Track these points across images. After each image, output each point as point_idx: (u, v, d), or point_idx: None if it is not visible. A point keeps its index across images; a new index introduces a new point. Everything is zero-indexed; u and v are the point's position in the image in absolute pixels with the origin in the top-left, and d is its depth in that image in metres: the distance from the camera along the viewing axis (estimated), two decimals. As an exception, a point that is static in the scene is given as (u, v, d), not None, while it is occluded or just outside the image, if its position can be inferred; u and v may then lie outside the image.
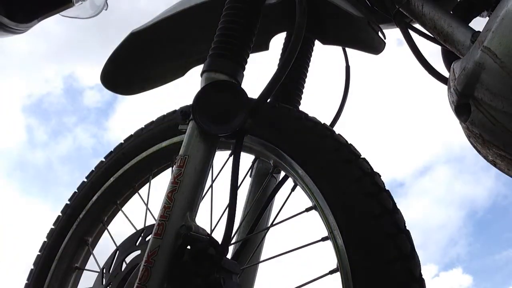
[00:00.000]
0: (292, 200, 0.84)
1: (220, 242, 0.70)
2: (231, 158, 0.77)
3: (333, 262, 0.69)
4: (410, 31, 0.84)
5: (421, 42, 0.83)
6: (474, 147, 0.74)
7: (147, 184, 1.02)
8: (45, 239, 1.04)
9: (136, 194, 1.04)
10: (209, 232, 0.73)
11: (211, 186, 0.88)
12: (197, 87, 0.79)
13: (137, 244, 0.82)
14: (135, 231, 0.88)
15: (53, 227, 1.05)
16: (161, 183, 1.04)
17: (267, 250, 0.96)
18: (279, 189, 0.94)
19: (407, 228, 0.69)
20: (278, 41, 1.05)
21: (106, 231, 1.05)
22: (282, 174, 0.93)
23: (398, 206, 0.71)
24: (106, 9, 1.09)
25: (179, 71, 1.08)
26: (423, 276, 0.65)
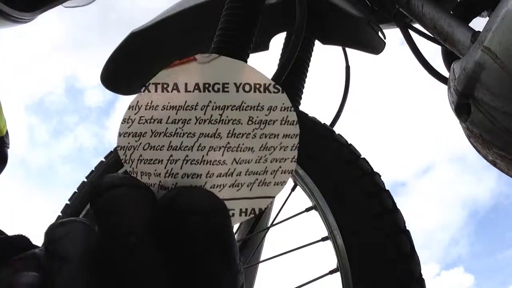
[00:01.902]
0: (292, 200, 0.84)
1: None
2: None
3: (333, 262, 0.69)
4: (410, 31, 0.84)
5: (421, 42, 0.83)
6: (474, 147, 0.74)
7: (147, 184, 1.01)
8: (45, 239, 1.04)
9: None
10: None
11: (211, 186, 0.88)
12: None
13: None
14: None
15: (53, 227, 1.05)
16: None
17: (267, 250, 0.96)
18: (279, 189, 0.94)
19: (407, 228, 0.69)
20: (278, 41, 1.05)
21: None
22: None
23: (399, 206, 0.71)
24: None
25: (179, 71, 1.08)
26: (423, 276, 0.65)
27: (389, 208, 0.68)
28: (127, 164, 0.26)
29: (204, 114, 0.26)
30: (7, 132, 0.82)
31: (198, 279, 0.21)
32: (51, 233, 0.21)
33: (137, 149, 0.26)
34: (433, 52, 0.83)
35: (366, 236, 0.65)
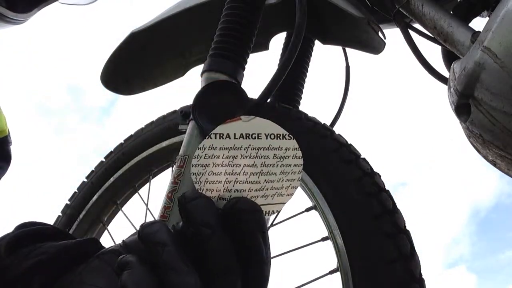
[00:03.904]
0: (292, 200, 0.84)
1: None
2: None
3: (333, 262, 0.69)
4: (410, 31, 0.84)
5: (421, 42, 0.83)
6: (474, 147, 0.74)
7: (147, 184, 1.02)
8: (45, 239, 1.04)
9: (136, 194, 1.04)
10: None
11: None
12: (197, 87, 0.79)
13: (137, 244, 0.82)
14: (135, 231, 0.87)
15: (53, 227, 1.05)
16: (161, 183, 1.04)
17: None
18: (279, 189, 0.94)
19: (407, 228, 0.69)
20: (278, 41, 1.05)
21: (106, 231, 1.05)
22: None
23: (400, 206, 0.71)
24: None
25: (179, 71, 1.08)
26: (423, 276, 0.65)
27: (389, 208, 0.68)
28: (197, 184, 0.39)
29: (246, 152, 0.40)
30: (8, 130, 0.82)
31: (248, 251, 0.34)
32: (146, 229, 0.34)
33: (204, 175, 0.39)
34: (433, 52, 0.83)
35: (366, 236, 0.65)
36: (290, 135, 0.42)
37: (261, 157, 0.41)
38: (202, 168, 0.39)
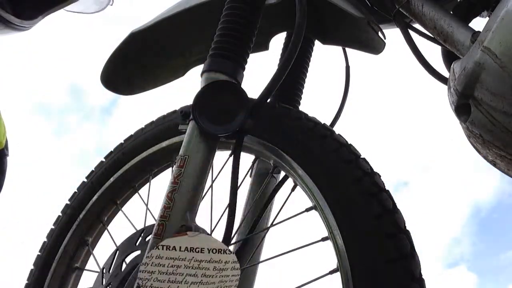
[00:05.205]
0: (292, 200, 0.84)
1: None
2: (231, 158, 0.77)
3: (333, 262, 0.69)
4: (410, 31, 0.84)
5: (421, 42, 0.83)
6: (474, 147, 0.74)
7: (147, 184, 1.02)
8: (45, 239, 1.04)
9: (136, 194, 1.04)
10: (209, 232, 0.74)
11: (211, 186, 0.88)
12: (197, 87, 0.79)
13: (137, 244, 0.82)
14: (135, 231, 0.88)
15: (53, 227, 1.05)
16: (161, 183, 1.04)
17: (267, 250, 0.96)
18: (279, 189, 0.94)
19: (407, 228, 0.69)
20: (278, 41, 1.05)
21: (106, 231, 1.05)
22: (282, 174, 0.93)
23: (402, 206, 0.70)
24: (111, 4, 1.08)
25: (179, 71, 1.08)
26: (423, 276, 0.65)
27: (389, 208, 0.68)
28: None
29: (189, 263, 0.46)
30: (6, 141, 0.81)
31: None
32: None
33: (149, 280, 0.44)
34: (433, 52, 0.83)
35: (366, 236, 0.65)
36: (230, 250, 0.49)
37: (202, 268, 0.46)
38: (148, 274, 0.45)
